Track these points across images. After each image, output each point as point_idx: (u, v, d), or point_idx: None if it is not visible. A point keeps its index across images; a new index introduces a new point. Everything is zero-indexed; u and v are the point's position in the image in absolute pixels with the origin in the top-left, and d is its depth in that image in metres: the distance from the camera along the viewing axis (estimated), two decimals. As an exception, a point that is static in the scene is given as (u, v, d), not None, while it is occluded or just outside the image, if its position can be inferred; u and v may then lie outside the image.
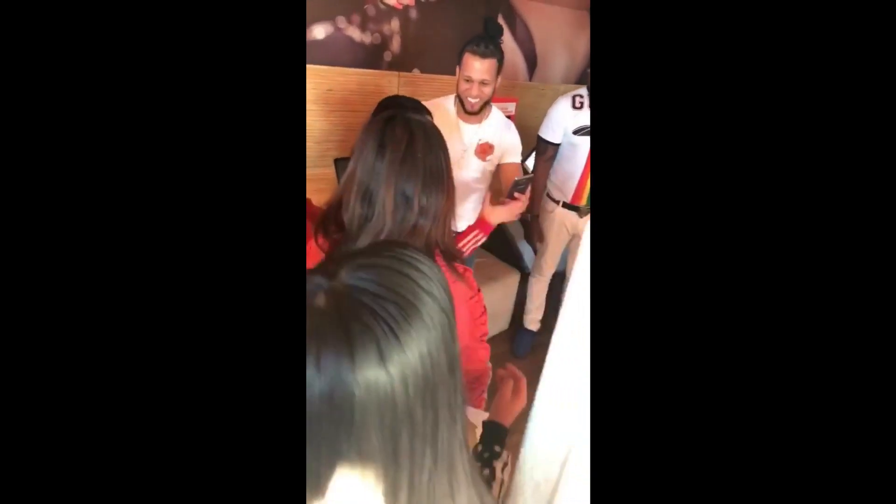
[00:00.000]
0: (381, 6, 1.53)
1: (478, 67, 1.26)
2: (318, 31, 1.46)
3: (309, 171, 1.57)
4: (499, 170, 1.44)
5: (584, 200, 1.69)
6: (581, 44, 2.34)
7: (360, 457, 0.31)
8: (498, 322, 2.05)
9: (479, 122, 1.37)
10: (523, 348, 1.98)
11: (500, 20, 1.87)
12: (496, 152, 1.40)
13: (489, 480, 0.57)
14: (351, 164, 0.68)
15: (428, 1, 1.65)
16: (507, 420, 0.64)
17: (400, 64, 1.66)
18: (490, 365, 0.81)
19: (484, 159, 1.39)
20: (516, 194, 1.08)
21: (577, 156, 1.62)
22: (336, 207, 0.69)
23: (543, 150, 1.68)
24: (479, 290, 0.76)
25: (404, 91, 1.65)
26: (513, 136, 1.42)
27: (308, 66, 1.49)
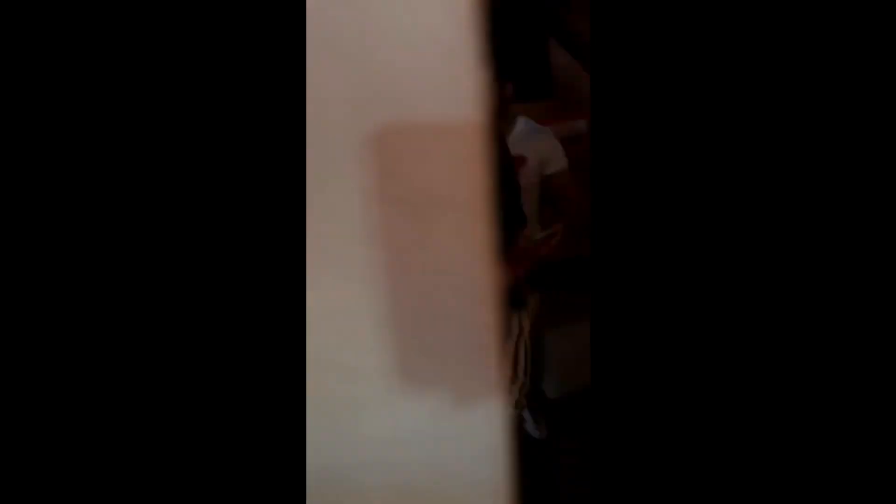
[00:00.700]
0: None
1: None
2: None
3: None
4: (548, 184, 1.27)
5: None
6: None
7: None
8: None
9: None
10: None
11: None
12: (531, 164, 1.23)
13: None
14: None
15: None
16: None
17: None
18: None
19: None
20: None
21: None
22: None
23: None
24: None
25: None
26: (547, 141, 1.27)
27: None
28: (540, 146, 1.25)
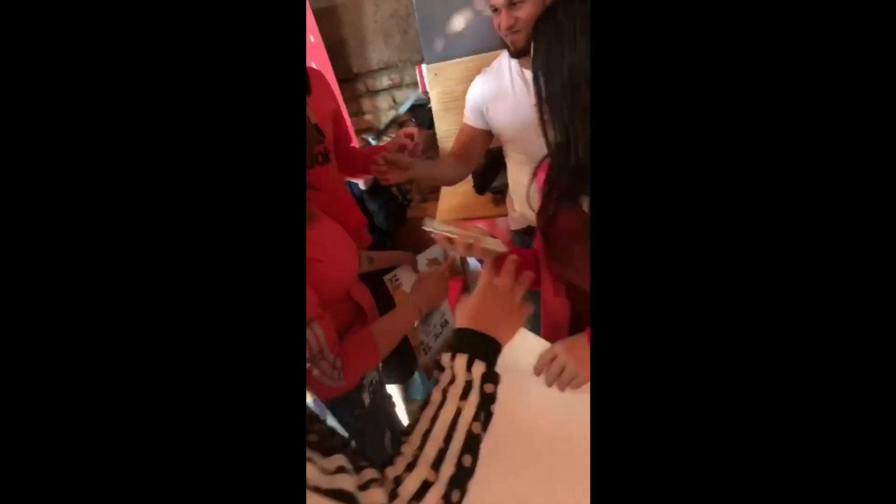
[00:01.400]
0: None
1: None
2: (457, 23, 1.38)
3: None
4: None
5: None
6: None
7: None
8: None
9: None
10: None
11: None
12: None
13: None
14: None
15: None
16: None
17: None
18: None
19: None
20: None
21: None
22: None
23: None
24: None
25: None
26: None
27: (451, 61, 1.42)
28: None
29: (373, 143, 1.85)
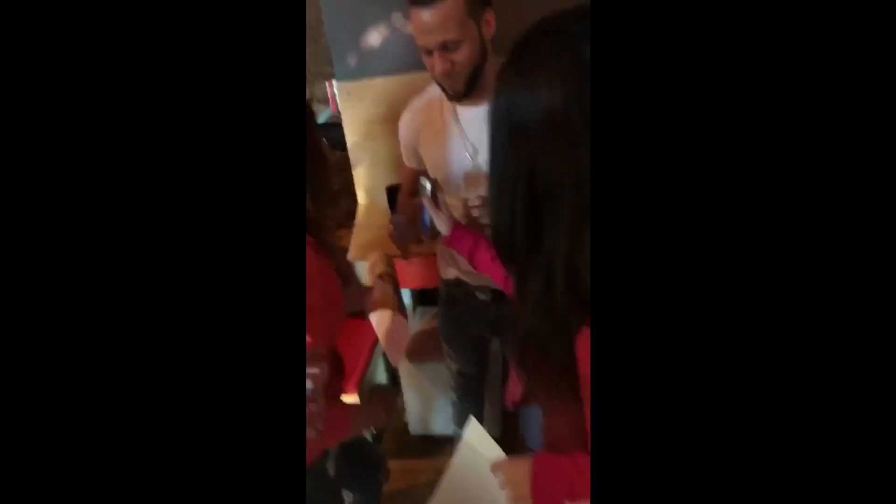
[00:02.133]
0: None
1: (427, 22, 0.74)
2: (372, 38, 1.22)
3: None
4: None
5: None
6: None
7: None
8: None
9: (484, 101, 0.83)
10: None
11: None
12: None
13: None
14: None
15: None
16: None
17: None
18: None
19: None
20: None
21: None
22: None
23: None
24: None
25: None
26: None
27: (366, 81, 1.25)
28: None
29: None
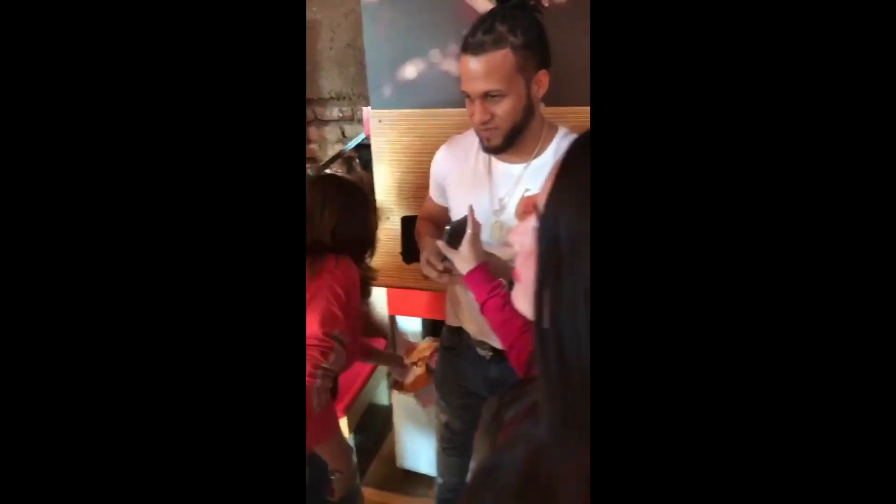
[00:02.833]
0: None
1: (473, 70, 0.72)
2: (408, 71, 1.24)
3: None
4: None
5: None
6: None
7: None
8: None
9: (527, 159, 0.81)
10: None
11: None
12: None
13: None
14: None
15: (555, 2, 1.05)
16: None
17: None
18: None
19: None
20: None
21: None
22: None
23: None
24: None
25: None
26: None
27: (398, 111, 1.27)
28: None
29: (309, 174, 1.67)
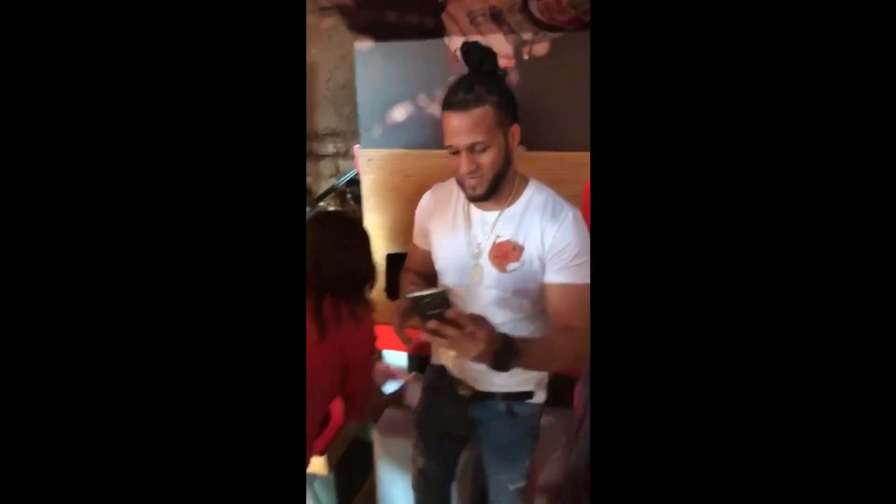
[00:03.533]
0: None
1: (457, 125, 0.78)
2: (397, 114, 1.28)
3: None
4: (544, 294, 0.85)
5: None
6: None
7: None
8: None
9: (501, 207, 0.86)
10: None
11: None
12: (526, 257, 0.84)
13: None
14: None
15: (534, 57, 1.16)
16: None
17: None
18: None
19: (503, 268, 0.85)
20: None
21: None
22: None
23: None
24: None
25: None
26: (564, 229, 0.81)
27: (387, 150, 1.30)
28: (549, 233, 0.84)
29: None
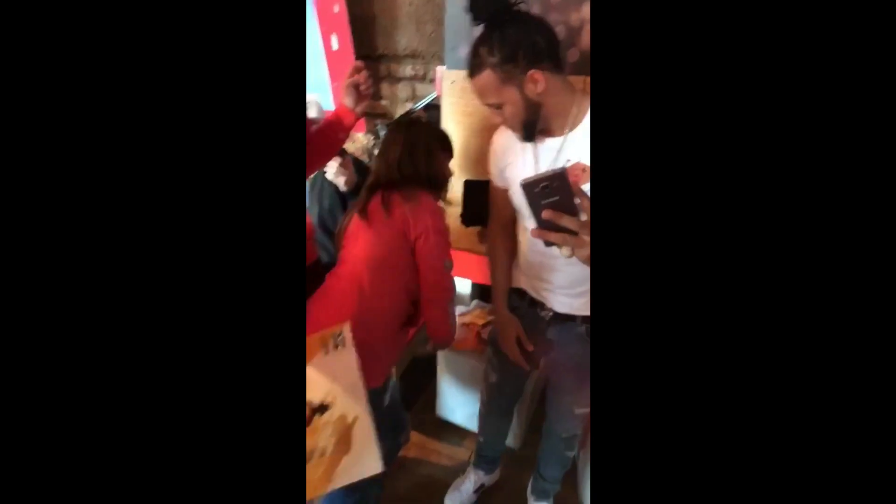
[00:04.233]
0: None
1: (474, 89, 0.86)
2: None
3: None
4: None
5: None
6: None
7: None
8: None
9: (562, 133, 0.87)
10: None
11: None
12: None
13: None
14: None
15: None
16: None
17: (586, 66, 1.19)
18: None
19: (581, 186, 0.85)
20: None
21: None
22: None
23: None
24: None
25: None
26: None
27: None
28: None
29: (381, 133, 1.73)
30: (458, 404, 1.65)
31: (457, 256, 1.26)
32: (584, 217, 0.57)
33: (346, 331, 0.81)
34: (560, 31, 1.10)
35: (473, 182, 1.35)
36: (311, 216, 1.46)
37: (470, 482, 1.41)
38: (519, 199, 0.98)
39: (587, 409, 1.11)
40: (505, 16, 0.81)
